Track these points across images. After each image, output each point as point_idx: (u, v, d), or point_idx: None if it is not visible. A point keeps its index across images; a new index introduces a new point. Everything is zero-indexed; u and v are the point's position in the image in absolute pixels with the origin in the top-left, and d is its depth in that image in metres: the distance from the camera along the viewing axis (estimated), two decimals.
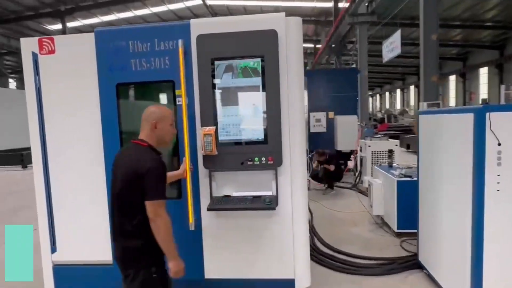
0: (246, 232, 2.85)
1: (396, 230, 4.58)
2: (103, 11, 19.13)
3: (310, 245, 4.30)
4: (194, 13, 21.73)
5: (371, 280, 3.58)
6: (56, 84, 2.92)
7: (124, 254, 2.01)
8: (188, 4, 20.09)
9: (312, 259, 3.97)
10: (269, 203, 2.65)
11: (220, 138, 2.75)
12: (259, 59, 2.69)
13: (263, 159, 2.74)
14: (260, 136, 2.75)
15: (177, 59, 2.70)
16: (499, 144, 2.46)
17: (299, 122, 2.82)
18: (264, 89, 2.71)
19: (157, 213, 1.90)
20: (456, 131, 2.82)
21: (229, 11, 21.79)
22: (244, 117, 2.76)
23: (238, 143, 2.77)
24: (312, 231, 4.89)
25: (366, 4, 14.73)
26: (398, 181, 4.50)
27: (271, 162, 2.74)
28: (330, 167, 7.06)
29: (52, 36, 2.90)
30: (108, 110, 2.85)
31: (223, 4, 20.54)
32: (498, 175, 2.49)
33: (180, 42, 2.70)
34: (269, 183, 2.80)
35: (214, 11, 21.97)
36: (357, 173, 7.73)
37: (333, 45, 18.73)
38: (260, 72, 2.70)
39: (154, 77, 2.82)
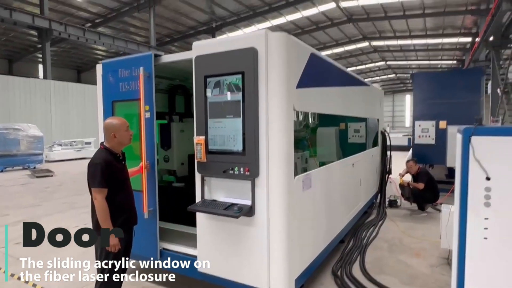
0: (228, 234, 3.06)
1: None
2: (245, 24, 21.54)
3: (345, 267, 4.04)
4: (329, 17, 21.74)
5: None
6: None
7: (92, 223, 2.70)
8: (322, 9, 20.29)
9: (336, 281, 3.77)
10: (237, 212, 2.79)
11: (209, 147, 3.07)
12: (240, 76, 2.86)
13: (241, 169, 2.90)
14: (239, 147, 2.91)
15: (143, 82, 3.34)
16: (488, 179, 1.89)
17: (279, 136, 2.84)
18: (243, 103, 2.86)
19: (94, 197, 2.52)
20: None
21: (365, 11, 20.80)
22: (227, 129, 2.98)
23: (223, 152, 3.01)
24: (361, 252, 4.51)
25: None
26: None
27: (248, 173, 2.87)
28: (419, 185, 6.08)
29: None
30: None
31: (358, 4, 19.76)
32: (486, 219, 1.91)
33: (141, 69, 3.35)
34: (249, 192, 2.94)
35: (349, 14, 21.40)
36: None
37: (490, 38, 15.36)
38: (241, 87, 2.86)
39: (130, 96, 3.52)
